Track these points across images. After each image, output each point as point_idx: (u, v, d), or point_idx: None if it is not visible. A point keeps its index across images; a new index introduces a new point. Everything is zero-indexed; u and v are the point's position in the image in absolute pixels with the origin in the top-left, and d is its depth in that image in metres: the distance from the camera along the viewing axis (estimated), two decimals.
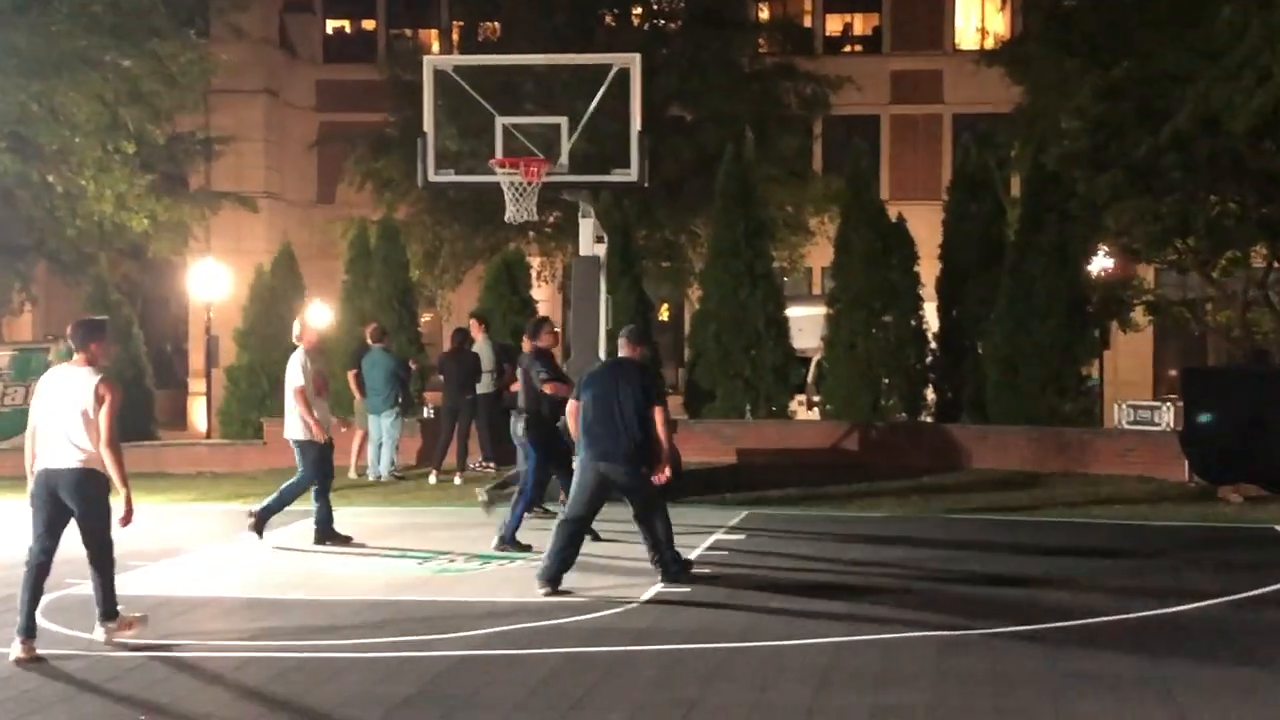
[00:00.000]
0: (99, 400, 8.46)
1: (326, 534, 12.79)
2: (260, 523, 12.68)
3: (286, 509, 12.89)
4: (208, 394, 26.24)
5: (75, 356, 8.77)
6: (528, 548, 12.11)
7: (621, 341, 11.08)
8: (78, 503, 8.52)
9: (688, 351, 23.38)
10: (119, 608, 8.78)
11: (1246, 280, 23.08)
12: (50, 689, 7.56)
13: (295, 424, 12.76)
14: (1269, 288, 23.25)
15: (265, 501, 12.82)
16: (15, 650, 8.29)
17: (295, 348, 13.10)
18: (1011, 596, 10.29)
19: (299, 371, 12.76)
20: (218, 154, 28.33)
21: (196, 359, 32.46)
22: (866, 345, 20.79)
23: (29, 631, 8.38)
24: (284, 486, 12.81)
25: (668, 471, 10.56)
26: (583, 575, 11.10)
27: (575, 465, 10.86)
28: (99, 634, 8.73)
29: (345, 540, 12.79)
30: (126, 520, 8.60)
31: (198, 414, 31.39)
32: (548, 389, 12.66)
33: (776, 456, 19.56)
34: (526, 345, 13.46)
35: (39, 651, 8.31)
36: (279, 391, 22.15)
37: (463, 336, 18.93)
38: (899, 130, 36.05)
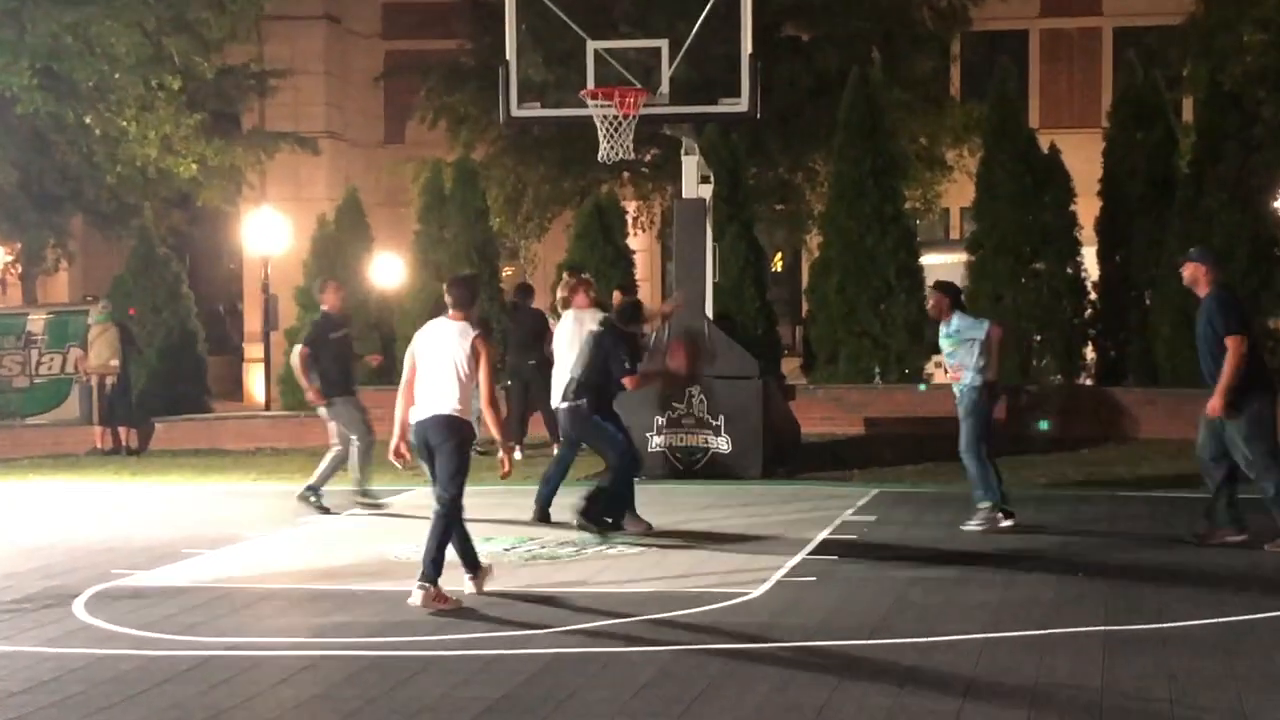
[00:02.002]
0: (475, 355, 9.89)
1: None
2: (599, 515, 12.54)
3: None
4: (266, 360, 26.56)
5: (451, 312, 10.14)
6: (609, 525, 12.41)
7: None
8: (441, 445, 9.82)
9: (805, 306, 23.32)
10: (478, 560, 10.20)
11: None
12: (98, 692, 7.69)
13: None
14: None
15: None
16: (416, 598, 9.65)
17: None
18: (1190, 586, 10.13)
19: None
20: (273, 89, 28.59)
21: (253, 321, 32.93)
22: (1015, 297, 20.64)
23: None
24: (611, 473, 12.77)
25: None
26: (697, 561, 11.16)
27: None
28: (468, 587, 10.06)
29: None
30: (507, 473, 10.21)
31: (255, 383, 31.83)
32: (627, 383, 12.71)
33: (910, 426, 19.45)
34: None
35: None
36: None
37: (525, 292, 18.99)
38: (1051, 47, 35.53)
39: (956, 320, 12.77)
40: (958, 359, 12.70)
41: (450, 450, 9.82)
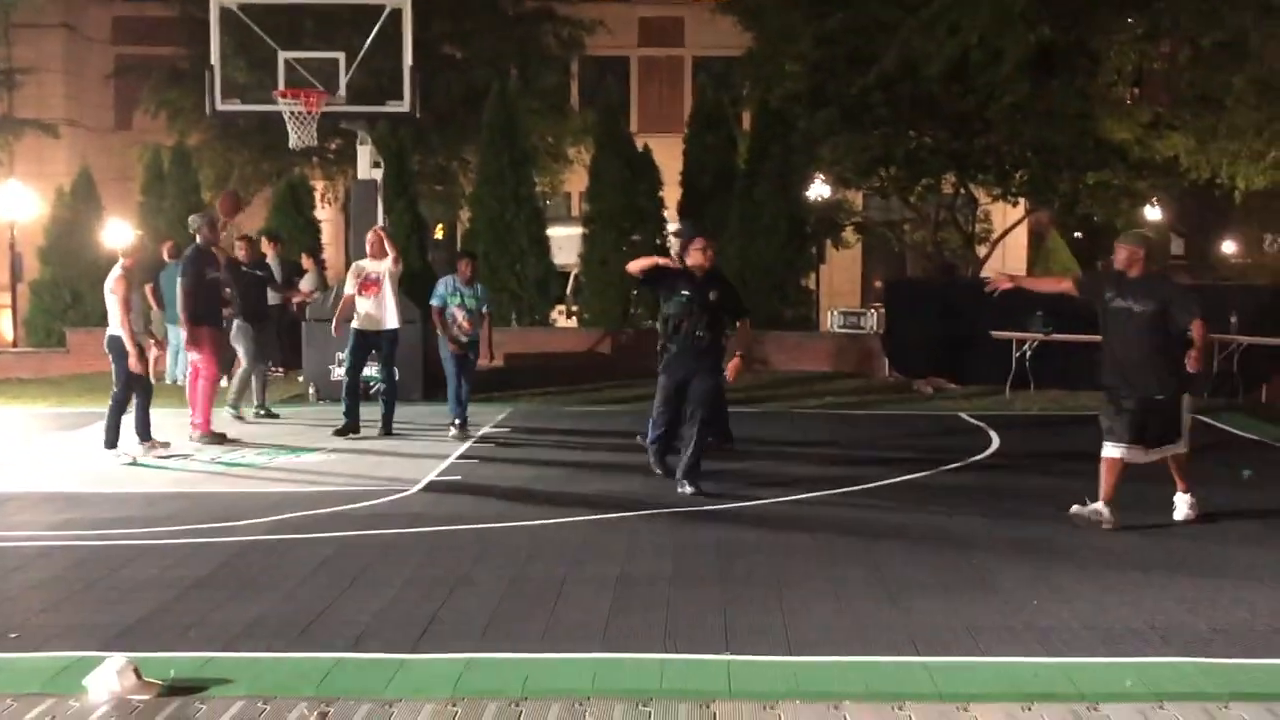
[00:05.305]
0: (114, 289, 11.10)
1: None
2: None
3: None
4: (13, 306, 24.97)
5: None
6: None
7: None
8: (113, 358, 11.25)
9: None
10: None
11: (938, 204, 23.95)
12: None
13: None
14: (957, 210, 24.17)
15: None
16: None
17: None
18: (739, 477, 10.48)
19: None
20: (19, 84, 26.94)
21: (1, 274, 30.84)
22: (617, 260, 20.87)
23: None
24: None
25: None
26: (367, 468, 10.99)
27: None
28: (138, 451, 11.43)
29: None
30: (136, 367, 11.14)
31: (4, 324, 29.91)
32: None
33: (539, 360, 19.58)
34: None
35: None
36: (79, 303, 21.53)
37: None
38: (646, 70, 36.09)
39: (480, 286, 13.05)
40: (473, 316, 12.79)
41: (116, 361, 11.24)
